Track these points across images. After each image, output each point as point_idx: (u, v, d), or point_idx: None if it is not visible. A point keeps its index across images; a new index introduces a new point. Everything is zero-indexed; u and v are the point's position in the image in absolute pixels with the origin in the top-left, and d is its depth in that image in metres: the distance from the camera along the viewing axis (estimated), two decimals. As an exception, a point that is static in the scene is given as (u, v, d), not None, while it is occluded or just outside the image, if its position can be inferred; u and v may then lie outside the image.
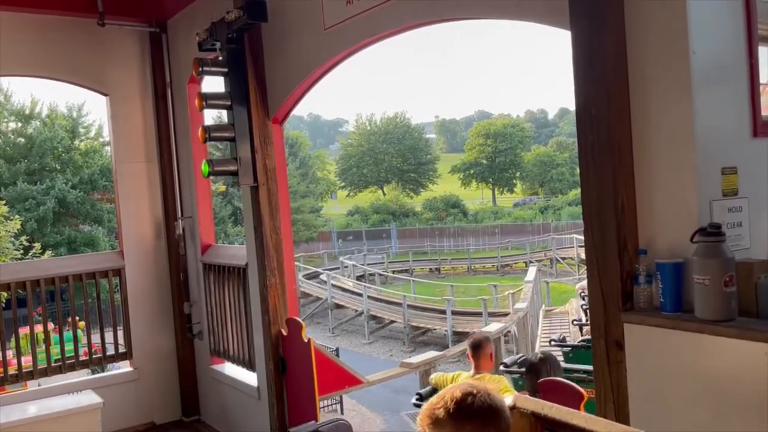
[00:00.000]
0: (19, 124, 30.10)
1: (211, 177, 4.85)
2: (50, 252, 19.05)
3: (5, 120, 30.10)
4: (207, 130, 4.53)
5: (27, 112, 30.06)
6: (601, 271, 2.45)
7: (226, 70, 4.52)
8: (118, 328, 6.01)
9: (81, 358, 5.81)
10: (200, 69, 4.47)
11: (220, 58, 4.55)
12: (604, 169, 2.41)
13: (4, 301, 6.16)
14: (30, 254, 14.22)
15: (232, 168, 4.61)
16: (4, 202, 14.51)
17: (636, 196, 2.43)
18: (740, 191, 2.38)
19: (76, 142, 30.84)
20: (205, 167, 4.50)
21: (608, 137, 2.40)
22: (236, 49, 4.48)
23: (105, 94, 5.87)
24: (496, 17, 2.99)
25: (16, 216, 14.54)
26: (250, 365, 5.20)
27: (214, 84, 4.71)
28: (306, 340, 4.39)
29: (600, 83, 2.42)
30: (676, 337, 2.24)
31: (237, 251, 5.39)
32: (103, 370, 7.90)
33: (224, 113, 4.71)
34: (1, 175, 28.14)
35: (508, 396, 1.72)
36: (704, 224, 2.19)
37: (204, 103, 4.51)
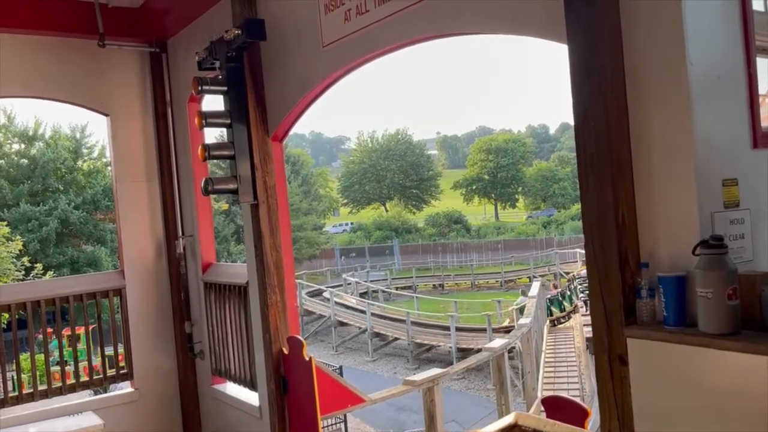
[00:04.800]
0: (23, 146, 30.31)
1: (213, 195, 4.84)
2: (52, 272, 19.03)
3: (9, 141, 30.29)
4: (207, 148, 4.52)
5: (30, 133, 30.26)
6: (602, 285, 2.42)
7: (225, 88, 4.53)
8: (119, 348, 5.97)
9: (82, 379, 5.76)
10: (200, 88, 4.47)
11: (220, 76, 4.57)
12: (604, 182, 2.40)
13: (5, 322, 6.13)
14: (32, 275, 14.20)
15: (232, 186, 4.60)
16: (6, 223, 14.53)
17: (636, 209, 2.41)
18: (742, 203, 2.36)
19: (79, 162, 31.03)
20: (204, 186, 4.50)
21: (607, 149, 2.39)
22: (235, 67, 4.49)
23: (106, 114, 5.88)
24: (493, 32, 3.00)
25: (18, 237, 14.55)
26: (251, 384, 5.15)
27: (214, 103, 4.73)
28: (307, 359, 4.35)
29: (598, 95, 2.41)
30: (680, 352, 2.21)
31: (238, 269, 5.37)
32: (105, 391, 7.84)
33: (226, 132, 4.72)
34: (5, 196, 28.27)
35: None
36: (706, 236, 2.17)
37: (204, 121, 4.51)
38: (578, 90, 2.48)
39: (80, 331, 5.99)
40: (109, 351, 5.92)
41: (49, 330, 5.63)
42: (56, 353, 5.78)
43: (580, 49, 2.46)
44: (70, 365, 5.68)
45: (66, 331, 6.07)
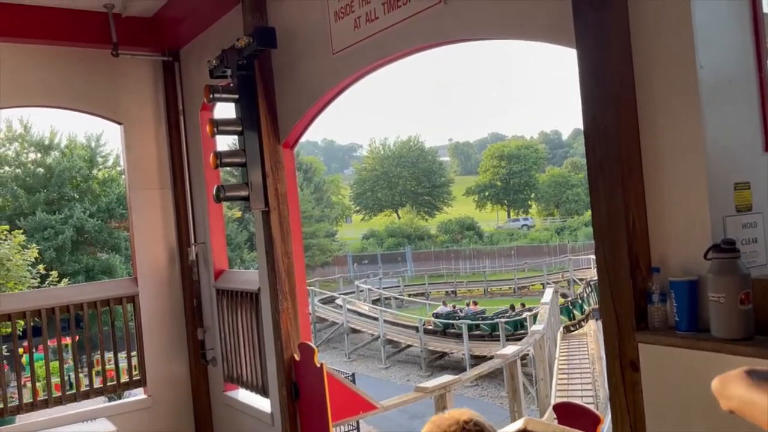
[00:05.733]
0: (39, 155, 30.69)
1: (226, 203, 4.86)
2: (67, 280, 19.26)
3: (25, 151, 30.69)
4: (218, 156, 4.55)
5: (46, 142, 30.65)
6: (613, 290, 2.41)
7: (236, 96, 4.55)
8: (132, 355, 6.01)
9: (95, 386, 5.79)
10: (211, 96, 4.51)
11: (231, 84, 4.60)
12: (614, 187, 2.38)
13: (21, 330, 6.19)
14: (47, 282, 14.35)
15: (244, 193, 4.62)
16: (21, 231, 14.71)
17: (647, 213, 2.39)
18: (754, 206, 2.33)
19: (95, 171, 31.38)
20: (216, 193, 4.52)
21: (617, 154, 2.38)
22: (247, 75, 4.52)
23: (119, 123, 5.94)
24: (502, 37, 3.00)
25: (33, 245, 14.73)
26: (263, 391, 5.16)
27: (226, 110, 4.76)
28: (318, 365, 4.35)
29: (607, 100, 2.40)
30: (693, 357, 2.19)
31: (250, 276, 5.39)
32: (120, 398, 7.88)
33: (237, 139, 4.74)
34: (21, 205, 28.63)
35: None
36: (718, 241, 2.15)
37: (215, 129, 4.54)
38: (588, 95, 2.47)
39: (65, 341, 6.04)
40: (121, 356, 5.96)
41: (24, 345, 5.64)
42: (70, 361, 5.82)
43: (589, 54, 2.45)
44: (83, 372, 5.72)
45: (64, 340, 6.12)
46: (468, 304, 29.31)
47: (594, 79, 2.45)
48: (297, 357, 4.59)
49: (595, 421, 2.61)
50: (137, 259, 5.98)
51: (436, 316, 27.48)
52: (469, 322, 24.67)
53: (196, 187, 5.98)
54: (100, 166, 31.83)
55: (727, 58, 2.33)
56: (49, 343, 5.79)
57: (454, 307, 28.85)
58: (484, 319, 25.25)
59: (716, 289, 2.11)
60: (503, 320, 23.91)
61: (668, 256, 2.34)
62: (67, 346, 6.12)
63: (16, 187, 29.01)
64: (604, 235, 2.44)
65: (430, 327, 26.01)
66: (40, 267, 14.99)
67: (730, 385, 0.84)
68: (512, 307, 26.78)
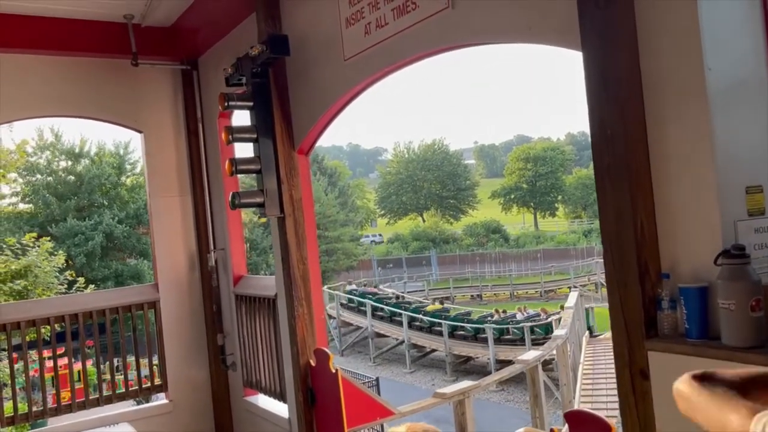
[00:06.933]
0: (70, 163, 31.38)
1: (247, 209, 4.88)
2: (93, 286, 19.64)
3: (56, 159, 31.41)
4: (234, 163, 4.59)
5: (77, 150, 31.34)
6: (622, 296, 2.36)
7: (251, 103, 4.59)
8: (153, 360, 6.09)
9: (117, 391, 5.88)
10: (226, 104, 4.55)
11: (246, 92, 4.64)
12: (622, 192, 2.34)
13: (47, 335, 6.31)
14: (74, 288, 14.64)
15: (259, 200, 4.65)
16: (49, 238, 15.03)
17: (656, 219, 2.35)
18: (767, 211, 2.27)
19: (123, 178, 31.97)
20: (231, 199, 4.56)
21: (624, 158, 2.34)
22: (261, 82, 4.56)
23: (140, 131, 6.03)
24: (510, 41, 2.97)
25: (61, 252, 15.04)
26: (281, 396, 5.18)
27: (245, 118, 4.80)
28: (333, 371, 4.35)
29: (614, 103, 2.37)
30: (703, 365, 2.10)
31: (267, 282, 5.42)
32: (147, 401, 7.97)
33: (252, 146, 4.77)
34: (53, 212, 29.29)
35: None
36: (728, 246, 2.10)
37: (231, 136, 4.58)
38: (594, 98, 2.43)
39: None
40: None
41: (15, 356, 5.70)
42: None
43: (595, 56, 2.42)
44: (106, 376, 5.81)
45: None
46: (365, 285, 38.02)
47: (600, 80, 2.41)
48: (313, 362, 4.59)
49: (606, 429, 2.57)
50: (158, 266, 6.05)
51: (345, 291, 33.79)
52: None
53: (215, 194, 6.04)
54: (128, 173, 32.45)
55: (737, 59, 2.27)
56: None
57: (365, 285, 37.62)
58: (470, 322, 25.53)
59: (726, 296, 2.07)
60: (530, 324, 23.72)
61: (678, 262, 2.29)
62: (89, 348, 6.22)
63: (47, 195, 29.68)
64: (612, 241, 2.40)
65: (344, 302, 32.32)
66: (70, 273, 15.29)
67: (679, 389, 0.90)
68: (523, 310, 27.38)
